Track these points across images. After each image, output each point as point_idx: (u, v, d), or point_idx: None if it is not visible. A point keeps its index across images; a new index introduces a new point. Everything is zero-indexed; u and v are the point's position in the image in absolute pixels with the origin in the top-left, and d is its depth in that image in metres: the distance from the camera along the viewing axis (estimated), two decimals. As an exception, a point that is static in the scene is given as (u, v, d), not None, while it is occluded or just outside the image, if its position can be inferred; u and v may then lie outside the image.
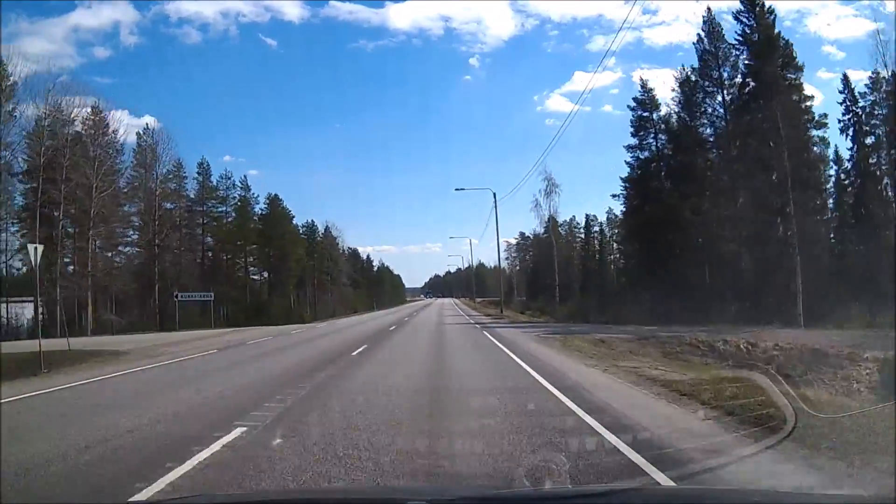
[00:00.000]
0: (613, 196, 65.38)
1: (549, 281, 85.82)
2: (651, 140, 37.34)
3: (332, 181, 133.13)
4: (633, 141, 37.76)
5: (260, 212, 55.92)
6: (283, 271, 56.91)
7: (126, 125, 39.02)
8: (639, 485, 4.28)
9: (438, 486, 4.42)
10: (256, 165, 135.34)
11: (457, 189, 46.27)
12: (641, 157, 37.34)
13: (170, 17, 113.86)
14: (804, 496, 3.58)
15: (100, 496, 4.64)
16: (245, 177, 55.13)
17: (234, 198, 50.83)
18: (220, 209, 50.21)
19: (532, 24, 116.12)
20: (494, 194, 44.06)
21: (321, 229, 78.70)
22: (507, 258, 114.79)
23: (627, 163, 38.15)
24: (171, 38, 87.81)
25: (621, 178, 44.12)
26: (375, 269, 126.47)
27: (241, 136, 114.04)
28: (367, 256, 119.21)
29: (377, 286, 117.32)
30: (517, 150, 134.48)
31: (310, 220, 75.85)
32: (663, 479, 4.48)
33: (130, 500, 4.42)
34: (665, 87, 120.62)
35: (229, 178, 50.00)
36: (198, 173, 47.60)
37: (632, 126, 37.77)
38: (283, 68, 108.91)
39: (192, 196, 46.78)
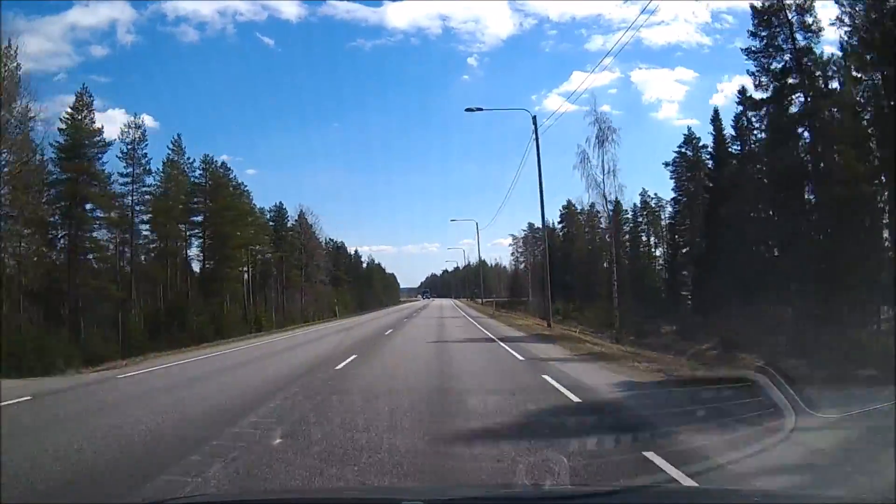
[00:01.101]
0: (665, 165, 51.06)
1: (569, 279, 72.06)
2: (786, 44, 22.83)
3: (330, 181, 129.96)
4: (754, 43, 23.29)
5: (194, 180, 41.15)
6: (225, 261, 42.14)
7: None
8: (639, 484, 4.18)
9: (437, 486, 4.32)
10: (254, 165, 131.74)
11: (468, 109, 27.48)
12: (771, 66, 22.81)
13: (167, 16, 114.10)
14: (804, 496, 3.56)
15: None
16: (179, 135, 40.71)
17: (146, 155, 36.08)
18: (103, 162, 33.90)
19: (530, 24, 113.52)
20: (535, 118, 27.44)
21: (294, 215, 64.37)
22: (512, 253, 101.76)
23: (751, 73, 23.58)
24: (169, 37, 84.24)
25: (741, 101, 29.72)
26: (365, 265, 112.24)
27: (238, 135, 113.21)
28: (356, 251, 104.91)
29: (366, 285, 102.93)
30: (515, 149, 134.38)
31: (278, 202, 61.61)
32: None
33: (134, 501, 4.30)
34: (665, 87, 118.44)
35: (138, 128, 35.32)
36: (71, 109, 32.52)
37: (753, 20, 23.33)
38: (280, 67, 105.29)
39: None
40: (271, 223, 62.20)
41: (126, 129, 35.57)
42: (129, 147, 34.86)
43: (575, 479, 4.14)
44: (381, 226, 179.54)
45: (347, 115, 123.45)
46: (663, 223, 67.96)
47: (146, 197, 35.82)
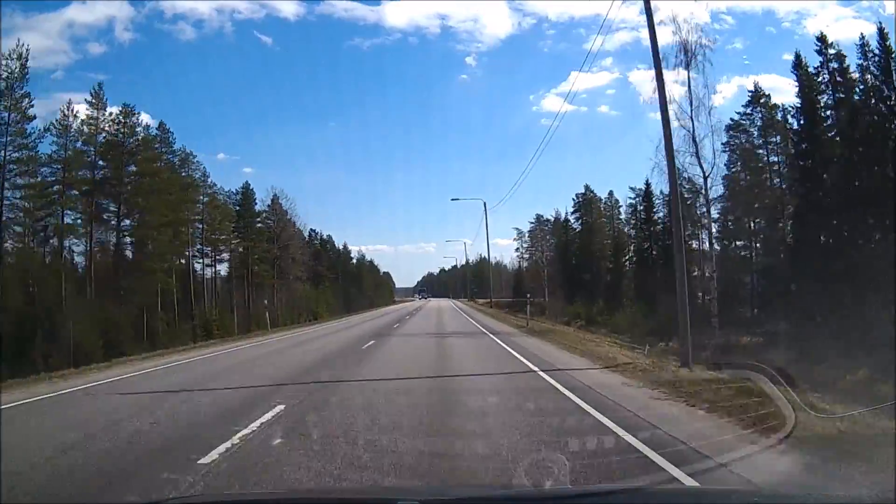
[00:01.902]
0: (727, 129, 40.26)
1: (588, 276, 62.12)
2: None
3: (327, 180, 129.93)
4: None
5: (107, 138, 30.48)
6: (147, 247, 31.57)
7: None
8: (639, 484, 4.14)
9: (434, 486, 4.19)
10: (251, 163, 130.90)
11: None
12: None
13: (164, 14, 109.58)
14: (804, 496, 3.52)
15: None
16: (100, 84, 30.54)
17: (28, 96, 25.62)
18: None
19: (529, 24, 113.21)
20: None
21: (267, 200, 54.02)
22: (517, 249, 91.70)
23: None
24: (166, 35, 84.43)
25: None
26: (354, 262, 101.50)
27: (235, 133, 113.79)
28: (345, 246, 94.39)
29: (355, 284, 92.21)
30: (513, 150, 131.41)
31: (245, 183, 51.36)
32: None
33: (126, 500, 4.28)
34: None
35: (19, 59, 24.87)
36: None
37: None
38: (278, 66, 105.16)
39: None
40: (237, 208, 52.08)
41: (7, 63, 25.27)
42: (3, 83, 24.53)
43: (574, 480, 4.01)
44: (379, 225, 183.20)
45: (345, 114, 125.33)
46: (699, 211, 58.28)
47: (24, 153, 25.55)
